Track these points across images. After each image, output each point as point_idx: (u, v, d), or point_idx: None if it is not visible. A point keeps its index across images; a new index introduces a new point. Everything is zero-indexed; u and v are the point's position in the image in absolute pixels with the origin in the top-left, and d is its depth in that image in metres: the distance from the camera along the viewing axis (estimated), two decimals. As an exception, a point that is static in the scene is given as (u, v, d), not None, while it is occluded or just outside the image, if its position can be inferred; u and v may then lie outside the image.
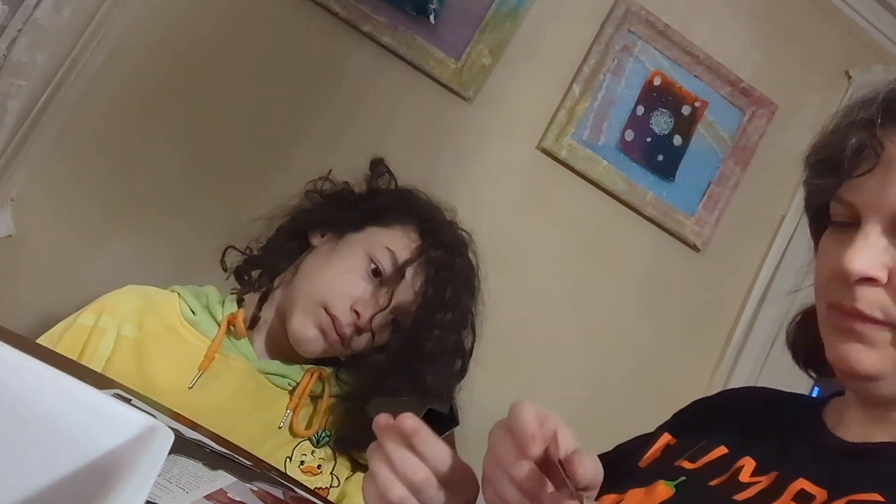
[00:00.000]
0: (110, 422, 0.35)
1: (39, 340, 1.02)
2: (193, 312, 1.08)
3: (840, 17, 1.88)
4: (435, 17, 1.59)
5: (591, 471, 0.58)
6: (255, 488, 0.60)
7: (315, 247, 1.12)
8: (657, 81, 1.75)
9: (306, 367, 1.07)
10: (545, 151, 1.69)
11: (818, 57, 1.87)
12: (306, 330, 1.03)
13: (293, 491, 0.67)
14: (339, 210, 1.13)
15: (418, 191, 1.18)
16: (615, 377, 1.75)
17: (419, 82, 1.60)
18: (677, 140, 1.77)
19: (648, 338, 1.77)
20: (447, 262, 1.07)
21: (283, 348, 1.07)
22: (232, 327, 1.06)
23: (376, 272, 1.04)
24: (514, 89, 1.67)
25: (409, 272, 1.04)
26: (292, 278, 1.09)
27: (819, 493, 0.60)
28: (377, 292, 1.04)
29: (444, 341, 1.06)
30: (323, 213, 1.14)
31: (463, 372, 1.14)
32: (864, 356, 0.62)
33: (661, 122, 1.76)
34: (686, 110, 1.77)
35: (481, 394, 1.33)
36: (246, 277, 1.12)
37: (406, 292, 1.05)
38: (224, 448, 0.67)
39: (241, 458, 0.66)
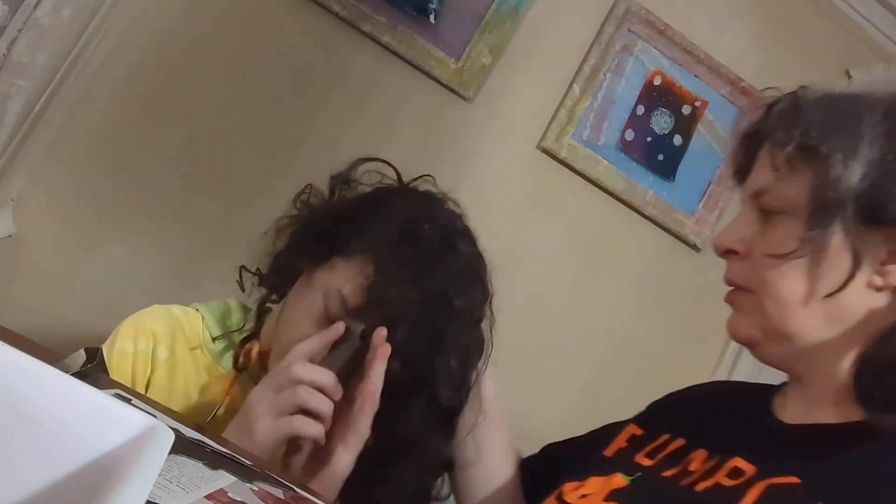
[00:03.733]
0: (110, 422, 0.35)
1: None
2: (214, 339, 1.04)
3: (840, 16, 1.88)
4: (435, 16, 1.59)
5: None
6: (256, 488, 0.60)
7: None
8: (657, 81, 1.75)
9: None
10: (545, 151, 1.69)
11: (818, 56, 1.87)
12: None
13: (293, 491, 0.67)
14: (309, 241, 0.99)
15: (387, 193, 1.00)
16: (615, 377, 1.75)
17: (419, 82, 1.60)
18: (677, 139, 1.77)
19: (648, 338, 1.77)
20: (400, 298, 0.89)
21: None
22: (247, 358, 1.03)
23: (330, 318, 0.91)
24: (514, 89, 1.67)
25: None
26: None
27: (749, 469, 0.65)
28: None
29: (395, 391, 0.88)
30: (297, 246, 1.01)
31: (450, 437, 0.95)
32: (739, 322, 0.73)
33: (661, 122, 1.76)
34: (686, 110, 1.77)
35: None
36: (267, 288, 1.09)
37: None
38: (224, 448, 0.67)
39: (241, 458, 0.66)
